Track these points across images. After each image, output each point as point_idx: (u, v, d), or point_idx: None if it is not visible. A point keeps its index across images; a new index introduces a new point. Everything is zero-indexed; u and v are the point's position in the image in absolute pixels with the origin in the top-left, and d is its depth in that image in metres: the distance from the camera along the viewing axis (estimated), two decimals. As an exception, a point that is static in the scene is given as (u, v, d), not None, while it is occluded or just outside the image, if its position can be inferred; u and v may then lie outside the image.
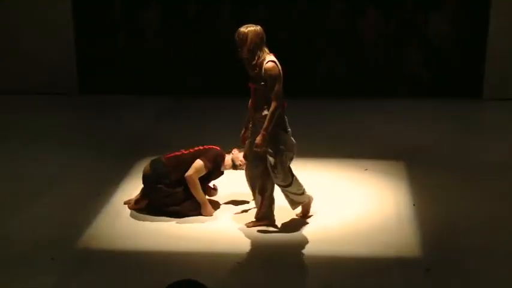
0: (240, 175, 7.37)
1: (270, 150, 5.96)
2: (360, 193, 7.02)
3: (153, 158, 6.69)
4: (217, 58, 10.56)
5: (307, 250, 5.90)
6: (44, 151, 8.18)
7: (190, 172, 6.44)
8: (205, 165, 6.48)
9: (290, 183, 6.16)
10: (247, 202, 6.80)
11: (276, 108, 5.80)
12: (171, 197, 6.43)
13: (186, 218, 6.43)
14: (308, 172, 7.29)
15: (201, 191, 6.49)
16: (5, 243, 6.00)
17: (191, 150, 6.62)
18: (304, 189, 6.31)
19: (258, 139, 5.87)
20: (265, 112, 5.89)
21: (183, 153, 6.60)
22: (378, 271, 5.61)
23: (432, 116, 9.69)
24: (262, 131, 5.85)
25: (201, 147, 6.64)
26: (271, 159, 5.99)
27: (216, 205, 6.74)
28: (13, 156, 8.05)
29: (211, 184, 6.82)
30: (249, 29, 5.91)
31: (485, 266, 5.64)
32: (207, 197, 6.68)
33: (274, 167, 6.01)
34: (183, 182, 6.47)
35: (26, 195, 6.95)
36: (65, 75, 10.51)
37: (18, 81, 10.49)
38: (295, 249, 5.92)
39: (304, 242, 6.03)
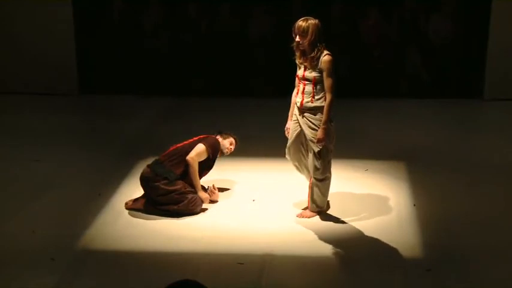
0: (240, 175, 7.39)
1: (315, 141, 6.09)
2: (360, 193, 7.01)
3: (152, 159, 6.69)
4: (219, 59, 10.58)
5: (307, 250, 5.90)
6: (45, 151, 8.18)
7: (192, 154, 6.47)
8: (206, 150, 6.52)
9: (326, 178, 6.25)
10: (248, 202, 6.81)
11: (332, 100, 5.97)
12: (165, 196, 6.42)
13: (186, 219, 6.43)
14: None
15: (198, 176, 6.50)
16: (5, 244, 6.00)
17: (185, 142, 6.63)
18: (328, 196, 6.41)
19: (320, 134, 6.01)
20: (316, 103, 6.03)
21: (177, 146, 6.60)
22: (378, 271, 5.60)
23: (432, 116, 9.70)
24: (322, 125, 5.99)
25: (195, 138, 6.65)
26: (316, 149, 6.08)
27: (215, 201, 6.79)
28: (13, 156, 8.05)
29: (211, 185, 6.81)
30: (310, 21, 5.99)
31: (486, 267, 5.63)
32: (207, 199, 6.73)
33: (318, 157, 6.11)
34: (183, 177, 6.50)
35: (26, 196, 6.94)
36: (66, 76, 10.52)
37: (18, 82, 10.50)
38: (296, 249, 5.91)
39: (304, 242, 6.03)
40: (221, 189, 6.97)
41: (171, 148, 6.65)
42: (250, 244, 5.99)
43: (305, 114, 6.10)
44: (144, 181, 6.52)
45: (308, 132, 6.11)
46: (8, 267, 5.60)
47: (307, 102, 6.06)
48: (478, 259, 5.74)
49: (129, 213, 6.55)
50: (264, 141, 8.50)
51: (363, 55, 10.49)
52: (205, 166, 6.66)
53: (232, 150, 6.90)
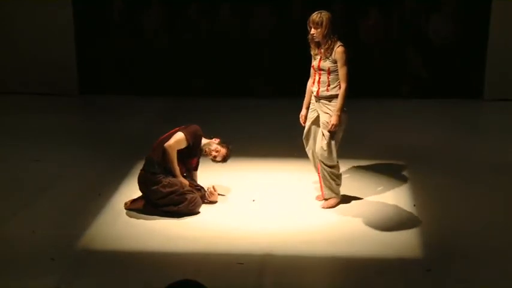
0: (240, 175, 7.38)
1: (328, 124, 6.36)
2: (360, 193, 7.01)
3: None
4: (219, 59, 10.58)
5: (307, 251, 5.89)
6: (44, 151, 8.18)
7: (170, 142, 6.43)
8: (185, 138, 6.47)
9: (334, 166, 6.49)
10: (248, 202, 6.81)
11: (346, 88, 6.29)
12: (165, 198, 6.42)
13: (186, 218, 6.43)
14: (309, 173, 7.29)
15: (175, 162, 6.46)
16: (5, 244, 5.99)
17: (167, 133, 6.59)
18: (340, 184, 6.63)
19: (334, 120, 6.30)
20: (331, 91, 6.33)
21: (161, 139, 6.56)
22: (379, 272, 5.60)
23: (432, 116, 9.70)
24: (336, 112, 6.30)
25: (177, 128, 6.61)
26: (326, 134, 6.34)
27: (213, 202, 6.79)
28: (13, 156, 8.05)
29: (211, 187, 6.80)
30: (323, 14, 6.33)
31: (486, 267, 5.63)
32: (206, 200, 6.73)
33: (326, 138, 6.36)
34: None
35: (26, 196, 6.94)
36: (66, 76, 10.52)
37: (18, 82, 10.50)
38: (295, 249, 5.91)
39: (304, 242, 6.02)
40: (221, 189, 6.96)
41: (155, 143, 6.63)
42: (250, 244, 5.99)
43: (321, 101, 6.39)
44: (143, 185, 6.51)
45: (322, 117, 6.40)
46: (8, 267, 5.60)
47: (323, 91, 6.36)
48: (478, 259, 5.74)
49: (128, 213, 6.54)
50: (264, 141, 8.50)
51: (363, 55, 10.48)
52: (190, 154, 6.62)
53: (214, 158, 6.75)
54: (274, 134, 8.75)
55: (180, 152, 6.50)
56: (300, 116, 6.61)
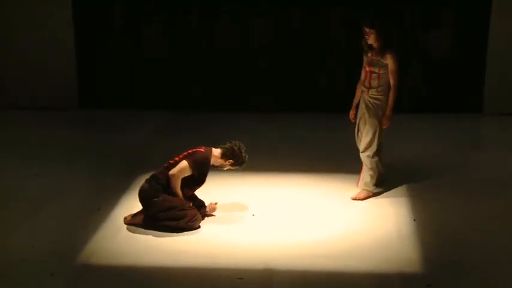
0: (240, 189, 7.37)
1: (372, 119, 7.05)
2: (360, 208, 7.01)
3: (151, 173, 6.68)
4: (218, 72, 10.59)
5: (308, 265, 5.89)
6: (44, 166, 8.17)
7: (174, 171, 6.49)
8: (190, 167, 6.52)
9: (373, 155, 7.06)
10: (248, 217, 6.81)
11: (395, 92, 6.99)
12: (166, 212, 6.43)
13: (186, 233, 6.42)
14: (308, 187, 7.31)
15: (179, 189, 6.51)
16: (5, 259, 5.98)
17: (176, 158, 6.63)
18: (374, 180, 7.14)
19: (384, 120, 7.03)
20: (379, 94, 6.99)
21: (170, 163, 6.61)
22: (379, 287, 5.59)
23: (432, 131, 9.70)
24: (387, 113, 7.03)
25: (185, 153, 6.64)
26: (369, 130, 7.03)
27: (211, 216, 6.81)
28: (13, 170, 8.05)
29: (213, 203, 6.82)
30: (375, 21, 6.92)
31: (486, 281, 5.63)
32: (207, 214, 6.76)
33: (370, 137, 7.05)
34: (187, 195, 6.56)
35: (25, 210, 6.93)
36: (65, 90, 10.52)
37: (18, 96, 10.50)
38: (296, 264, 5.91)
39: (304, 256, 6.02)
40: (221, 204, 6.95)
41: (166, 164, 6.64)
42: (251, 259, 5.98)
43: (369, 100, 7.03)
44: (145, 197, 6.51)
45: (367, 111, 7.04)
46: (8, 283, 5.58)
47: (373, 91, 7.00)
48: (479, 274, 5.74)
49: (128, 228, 6.54)
50: (264, 155, 8.48)
51: (361, 69, 10.48)
52: (196, 181, 6.65)
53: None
54: (275, 148, 8.76)
55: (186, 179, 6.55)
56: (350, 114, 7.23)
